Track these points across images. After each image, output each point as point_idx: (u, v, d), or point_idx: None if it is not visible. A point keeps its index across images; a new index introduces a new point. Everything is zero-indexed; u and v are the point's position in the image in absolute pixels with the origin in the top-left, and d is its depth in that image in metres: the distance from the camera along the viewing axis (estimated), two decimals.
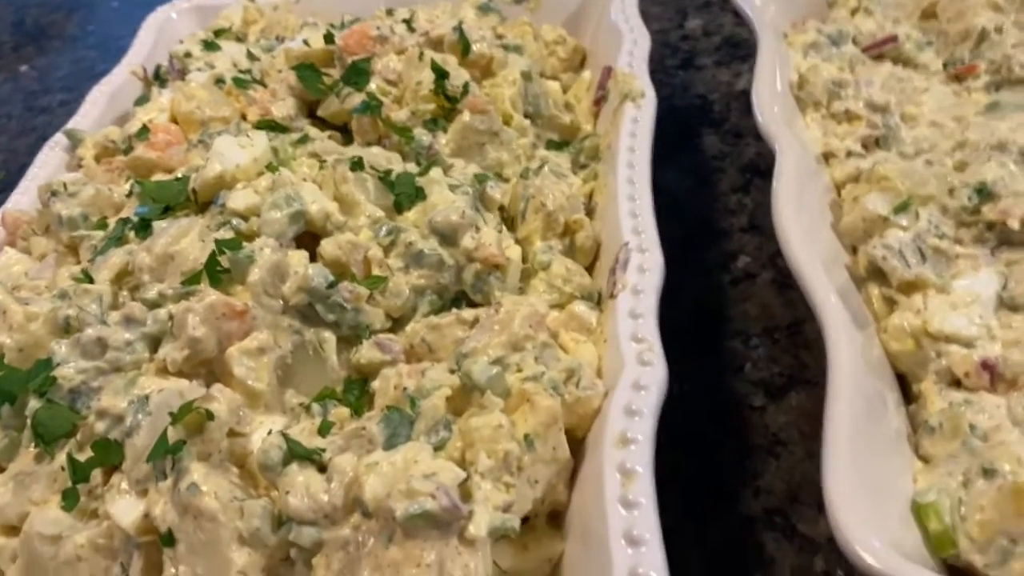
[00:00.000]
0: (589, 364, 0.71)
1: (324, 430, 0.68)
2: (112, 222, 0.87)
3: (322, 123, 1.04)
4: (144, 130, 0.98)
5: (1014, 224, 0.75)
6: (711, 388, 0.93)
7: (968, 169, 0.83)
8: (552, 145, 1.03)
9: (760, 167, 1.19)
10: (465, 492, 0.58)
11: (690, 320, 1.00)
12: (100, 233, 0.86)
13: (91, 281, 0.80)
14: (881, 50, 1.06)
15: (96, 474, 0.67)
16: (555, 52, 1.16)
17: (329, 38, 1.04)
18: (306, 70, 1.02)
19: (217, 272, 0.75)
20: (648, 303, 0.73)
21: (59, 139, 1.07)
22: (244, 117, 1.02)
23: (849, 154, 0.92)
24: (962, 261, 0.76)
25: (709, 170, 1.22)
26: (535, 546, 0.64)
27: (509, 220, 0.90)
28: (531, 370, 0.68)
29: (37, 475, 0.69)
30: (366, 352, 0.76)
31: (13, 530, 0.69)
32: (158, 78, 1.18)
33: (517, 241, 0.87)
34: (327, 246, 0.79)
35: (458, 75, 0.96)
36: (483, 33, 1.04)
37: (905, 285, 0.75)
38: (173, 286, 0.76)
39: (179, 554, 0.61)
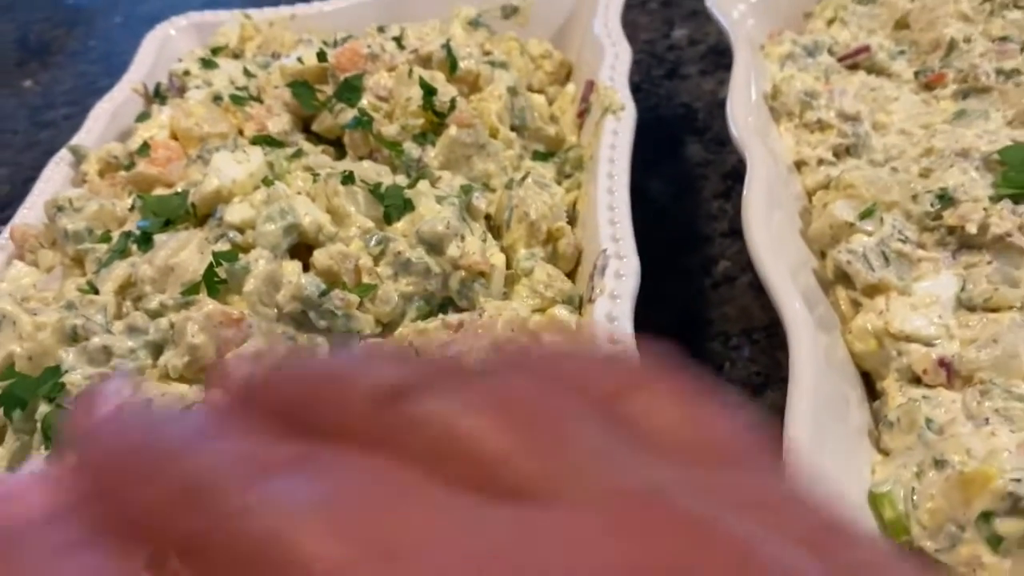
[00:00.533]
0: None
1: None
2: (115, 235, 0.91)
3: (316, 138, 1.08)
4: (145, 146, 1.02)
5: (972, 228, 0.79)
6: None
7: (932, 175, 0.86)
8: (538, 156, 1.06)
9: (741, 174, 1.20)
10: None
11: (673, 323, 1.03)
12: (104, 246, 0.90)
13: (96, 292, 0.84)
14: (855, 60, 1.09)
15: None
16: (542, 66, 1.20)
17: (322, 56, 1.08)
18: (300, 87, 1.07)
19: (215, 283, 0.79)
20: (624, 307, 0.77)
21: (64, 155, 1.11)
22: (241, 132, 1.05)
23: (820, 162, 0.96)
24: (924, 264, 0.80)
25: (693, 177, 1.26)
26: None
27: (495, 229, 0.93)
28: None
29: None
30: None
31: None
32: (158, 95, 1.22)
33: (502, 249, 0.90)
34: (319, 256, 0.83)
35: (446, 91, 1.00)
36: (470, 50, 1.08)
37: (869, 288, 0.79)
38: (173, 296, 0.79)
39: None
